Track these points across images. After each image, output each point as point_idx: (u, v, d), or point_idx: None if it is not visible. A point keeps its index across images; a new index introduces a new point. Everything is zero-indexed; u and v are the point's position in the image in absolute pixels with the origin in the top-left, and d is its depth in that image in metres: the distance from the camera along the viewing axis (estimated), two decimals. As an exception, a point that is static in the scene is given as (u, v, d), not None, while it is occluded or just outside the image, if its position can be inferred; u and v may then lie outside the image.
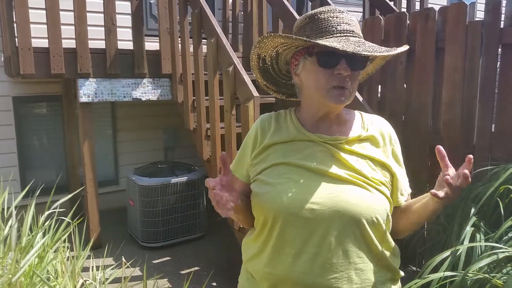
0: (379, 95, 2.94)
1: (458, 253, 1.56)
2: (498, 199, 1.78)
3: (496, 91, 2.34)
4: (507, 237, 1.55)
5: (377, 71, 3.06)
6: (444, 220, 2.10)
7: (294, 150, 1.03)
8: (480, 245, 1.58)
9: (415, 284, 1.44)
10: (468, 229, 1.70)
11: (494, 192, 1.82)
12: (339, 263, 0.95)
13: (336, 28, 0.96)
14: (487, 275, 1.36)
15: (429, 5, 4.19)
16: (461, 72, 2.41)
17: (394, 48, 0.96)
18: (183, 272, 3.06)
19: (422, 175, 2.46)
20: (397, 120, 2.79)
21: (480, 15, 2.46)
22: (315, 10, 1.00)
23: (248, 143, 1.11)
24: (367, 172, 0.99)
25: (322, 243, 0.95)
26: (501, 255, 1.37)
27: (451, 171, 0.93)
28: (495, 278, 1.35)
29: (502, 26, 2.27)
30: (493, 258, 1.38)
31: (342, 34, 0.95)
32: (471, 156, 0.88)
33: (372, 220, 0.96)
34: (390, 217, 1.03)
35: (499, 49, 2.30)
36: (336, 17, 0.97)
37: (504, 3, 2.26)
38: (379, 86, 2.92)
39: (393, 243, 1.06)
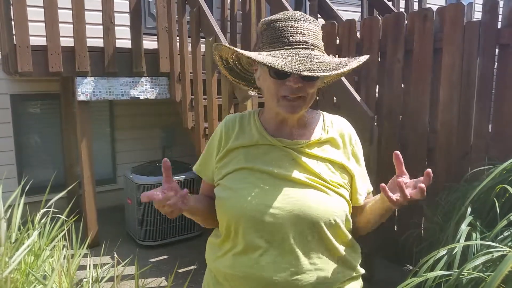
0: (377, 94, 2.95)
1: (454, 252, 1.57)
2: (494, 199, 1.78)
3: (493, 91, 2.35)
4: (502, 236, 1.56)
5: (375, 71, 3.06)
6: (440, 219, 2.11)
7: (256, 155, 1.04)
8: (476, 244, 1.58)
9: (410, 282, 1.44)
10: (464, 228, 1.70)
11: (490, 192, 1.82)
12: (300, 265, 0.98)
13: (288, 39, 0.95)
14: (482, 274, 1.37)
15: (427, 6, 4.20)
16: (459, 73, 2.42)
17: (345, 63, 0.94)
18: (180, 270, 3.06)
19: (418, 174, 2.46)
20: (394, 120, 2.79)
21: (478, 15, 2.47)
22: (273, 17, 0.99)
23: (213, 145, 1.12)
24: (326, 176, 1.01)
25: (283, 245, 0.98)
26: (496, 254, 1.38)
27: (406, 179, 0.94)
28: (490, 277, 1.35)
29: (499, 26, 2.27)
30: (488, 257, 1.38)
31: (293, 46, 0.94)
32: (429, 170, 0.89)
33: (330, 222, 0.99)
34: (350, 217, 1.05)
35: (496, 50, 2.30)
36: (291, 27, 0.96)
37: (501, 3, 2.27)
38: (377, 86, 2.93)
39: (352, 242, 1.09)
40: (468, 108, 2.39)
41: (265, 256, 0.98)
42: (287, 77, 0.95)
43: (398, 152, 0.94)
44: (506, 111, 2.26)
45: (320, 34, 1.00)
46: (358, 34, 3.05)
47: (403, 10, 4.50)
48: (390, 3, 3.94)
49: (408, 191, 0.90)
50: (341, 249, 1.04)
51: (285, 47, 0.95)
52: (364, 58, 1.00)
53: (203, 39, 2.90)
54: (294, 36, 0.95)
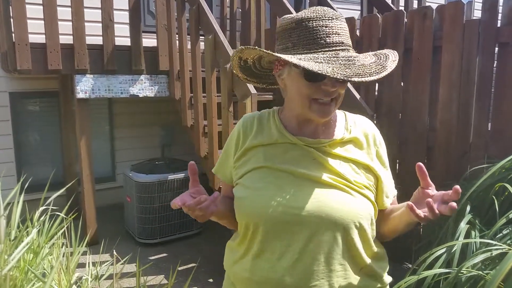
0: (376, 93, 2.95)
1: (453, 250, 1.57)
2: (493, 197, 1.78)
3: (492, 90, 2.35)
4: (501, 234, 1.56)
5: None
6: (439, 217, 2.11)
7: (275, 153, 1.00)
8: (475, 242, 1.59)
9: (409, 280, 1.44)
10: (463, 226, 1.71)
11: (489, 190, 1.83)
12: (320, 270, 0.93)
13: (325, 41, 0.91)
14: (481, 272, 1.37)
15: (427, 4, 4.19)
16: (458, 71, 2.42)
17: (384, 63, 0.92)
18: (179, 268, 3.06)
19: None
20: (394, 118, 2.79)
21: (477, 14, 2.47)
22: (303, 15, 0.94)
23: (231, 145, 1.09)
24: (350, 176, 0.97)
25: (303, 249, 0.93)
26: (495, 252, 1.38)
27: (433, 190, 0.91)
28: (489, 275, 1.36)
29: (499, 25, 2.27)
30: (487, 255, 1.39)
31: (331, 48, 0.91)
32: (458, 187, 0.84)
33: (355, 224, 0.94)
34: (374, 221, 1.00)
35: (496, 48, 2.30)
36: (326, 26, 0.91)
37: (501, 2, 2.27)
38: (377, 84, 2.93)
39: (378, 249, 1.03)
40: (468, 107, 2.39)
41: (283, 260, 0.94)
42: (323, 80, 0.91)
43: (421, 164, 0.90)
44: (506, 110, 2.26)
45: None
46: (357, 32, 3.05)
47: (402, 8, 4.49)
48: (389, 1, 3.93)
49: (436, 206, 0.85)
50: (366, 256, 0.98)
51: (323, 50, 0.91)
52: (392, 53, 0.96)
53: (203, 37, 2.90)
54: (330, 37, 0.91)
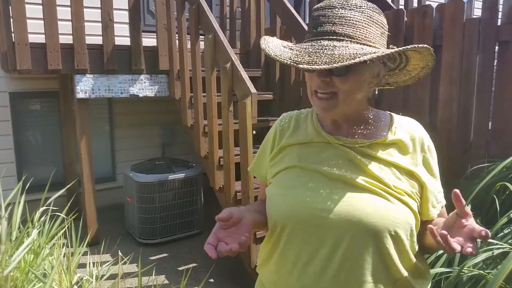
0: (376, 91, 2.94)
1: (454, 249, 1.57)
2: (494, 196, 1.78)
3: (493, 88, 2.35)
4: (502, 233, 1.56)
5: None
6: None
7: (310, 153, 0.96)
8: (476, 241, 1.58)
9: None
10: (464, 226, 1.70)
11: (490, 189, 1.82)
12: (349, 280, 0.87)
13: (316, 30, 0.88)
14: (482, 272, 1.37)
15: (427, 3, 4.19)
16: (458, 70, 2.41)
17: (361, 54, 0.81)
18: (180, 268, 3.07)
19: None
20: (394, 117, 2.79)
21: (477, 12, 2.47)
22: (319, 4, 0.92)
23: (267, 144, 1.07)
24: (390, 181, 0.89)
25: (331, 255, 0.88)
26: (496, 252, 1.38)
27: (468, 220, 0.83)
28: (490, 274, 1.36)
29: (499, 23, 2.27)
30: (489, 254, 1.39)
31: (317, 37, 0.87)
32: (487, 232, 0.78)
33: (390, 233, 0.86)
34: (415, 232, 0.92)
35: (496, 47, 2.30)
36: (323, 16, 0.88)
37: (501, 0, 2.27)
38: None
39: (418, 263, 0.94)
40: (468, 105, 2.39)
41: (310, 266, 0.89)
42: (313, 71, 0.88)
43: (457, 191, 0.83)
44: (506, 109, 2.25)
45: (366, 20, 0.88)
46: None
47: (402, 7, 4.49)
48: (389, 0, 3.93)
49: (461, 241, 0.79)
50: (403, 269, 0.90)
51: (311, 39, 0.88)
52: (409, 47, 0.86)
53: (202, 36, 2.90)
54: (323, 26, 0.87)
